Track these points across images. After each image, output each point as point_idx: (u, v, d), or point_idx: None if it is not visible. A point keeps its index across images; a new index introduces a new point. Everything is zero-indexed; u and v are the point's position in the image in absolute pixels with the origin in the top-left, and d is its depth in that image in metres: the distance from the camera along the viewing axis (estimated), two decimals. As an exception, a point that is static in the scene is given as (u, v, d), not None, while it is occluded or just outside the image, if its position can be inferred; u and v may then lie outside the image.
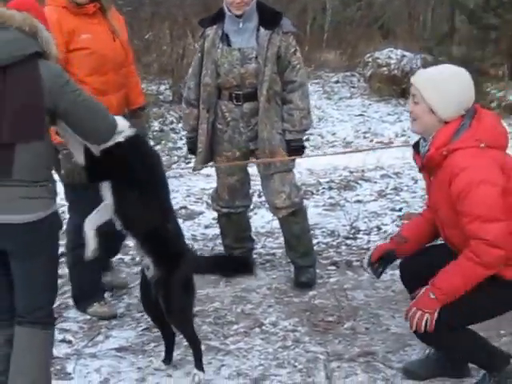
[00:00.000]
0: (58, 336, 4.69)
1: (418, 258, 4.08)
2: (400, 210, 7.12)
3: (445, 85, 3.73)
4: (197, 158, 5.49)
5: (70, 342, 4.71)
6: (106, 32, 4.86)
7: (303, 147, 5.48)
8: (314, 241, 6.26)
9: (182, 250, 4.22)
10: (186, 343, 4.58)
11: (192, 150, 5.54)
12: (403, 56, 12.79)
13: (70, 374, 4.33)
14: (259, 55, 5.16)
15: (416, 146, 3.95)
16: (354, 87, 13.36)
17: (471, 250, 3.62)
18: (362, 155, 8.71)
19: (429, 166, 3.78)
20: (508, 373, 3.89)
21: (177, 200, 7.42)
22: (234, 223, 5.64)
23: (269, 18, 5.23)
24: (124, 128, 3.89)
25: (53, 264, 3.63)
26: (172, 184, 7.71)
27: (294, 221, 5.40)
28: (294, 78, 5.24)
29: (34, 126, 3.35)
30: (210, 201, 5.50)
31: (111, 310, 5.09)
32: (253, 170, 5.63)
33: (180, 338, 4.42)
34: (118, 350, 4.60)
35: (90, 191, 4.24)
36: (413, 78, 3.85)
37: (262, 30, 5.19)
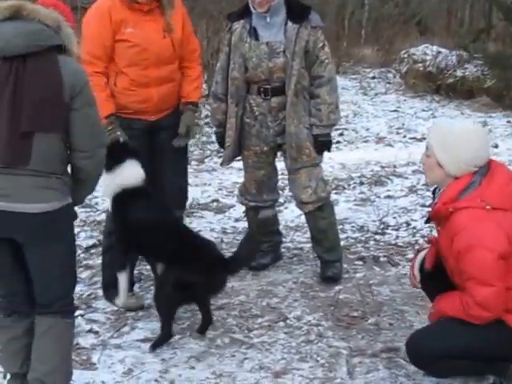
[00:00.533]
0: (85, 326, 4.82)
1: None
2: (429, 205, 7.07)
3: (455, 144, 3.70)
4: (225, 152, 5.51)
5: (96, 332, 4.76)
6: (157, 29, 4.88)
7: (330, 142, 5.46)
8: (343, 235, 6.29)
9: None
10: (210, 336, 4.65)
11: (221, 144, 5.56)
12: (439, 52, 12.75)
13: (94, 364, 4.38)
14: (287, 49, 5.15)
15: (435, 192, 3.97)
16: (389, 83, 13.36)
17: (465, 301, 3.66)
18: (394, 150, 8.70)
19: (436, 217, 3.81)
20: None
21: (209, 193, 7.49)
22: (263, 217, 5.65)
23: (297, 12, 5.21)
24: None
25: (68, 254, 3.64)
26: (204, 178, 7.86)
27: (320, 216, 5.40)
28: (322, 72, 5.22)
29: (54, 118, 3.37)
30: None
31: (138, 302, 5.13)
32: (281, 164, 5.62)
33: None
34: (143, 341, 4.64)
35: None
36: (429, 130, 3.88)
37: (289, 23, 5.18)
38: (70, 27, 3.49)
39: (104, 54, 4.83)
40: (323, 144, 5.36)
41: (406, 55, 13.03)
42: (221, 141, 5.54)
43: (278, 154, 5.56)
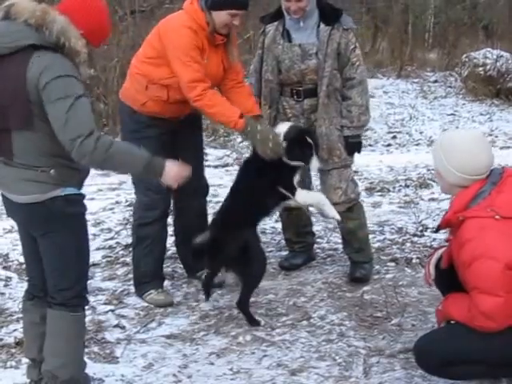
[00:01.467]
0: (113, 321, 4.94)
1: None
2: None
3: (450, 154, 3.74)
4: None
5: (123, 327, 4.86)
6: (218, 62, 4.97)
7: (361, 143, 5.49)
8: (381, 237, 6.33)
9: None
10: (233, 333, 4.73)
11: None
12: (500, 56, 12.61)
13: (117, 357, 4.48)
14: (319, 51, 5.19)
15: None
16: (450, 87, 13.26)
17: (471, 312, 3.65)
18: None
19: (448, 226, 3.81)
20: None
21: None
22: (294, 218, 5.71)
23: (329, 15, 5.24)
24: None
25: (67, 247, 3.68)
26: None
27: (349, 216, 5.42)
28: (353, 74, 5.25)
29: (21, 117, 3.44)
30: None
31: (167, 299, 5.23)
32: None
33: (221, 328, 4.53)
34: (168, 337, 4.73)
35: None
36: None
37: (322, 26, 5.22)
38: (67, 23, 3.48)
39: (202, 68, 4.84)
40: (354, 145, 5.38)
41: (467, 59, 12.92)
42: None
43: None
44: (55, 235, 3.65)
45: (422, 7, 16.26)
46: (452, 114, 11.48)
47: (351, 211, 5.42)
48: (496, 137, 9.88)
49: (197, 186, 5.24)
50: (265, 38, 5.38)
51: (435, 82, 13.73)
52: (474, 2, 16.72)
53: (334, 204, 5.35)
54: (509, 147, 9.76)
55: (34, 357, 3.98)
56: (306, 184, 5.61)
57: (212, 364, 4.40)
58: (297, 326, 4.85)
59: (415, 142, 9.93)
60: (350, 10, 15.71)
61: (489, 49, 12.95)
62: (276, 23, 5.34)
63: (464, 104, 12.17)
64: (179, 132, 5.14)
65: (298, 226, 5.75)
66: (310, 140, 4.95)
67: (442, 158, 3.76)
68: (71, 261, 3.72)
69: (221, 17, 4.78)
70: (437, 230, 4.04)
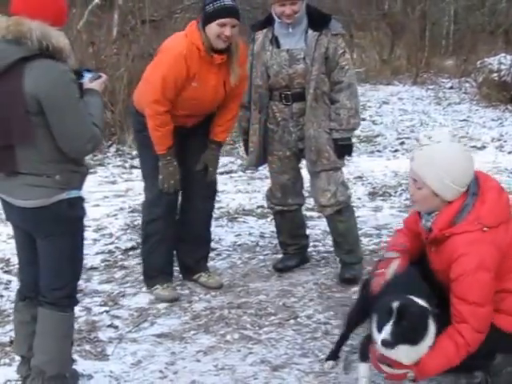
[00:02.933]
0: (107, 322, 5.10)
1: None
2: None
3: (445, 169, 3.64)
4: (248, 158, 5.71)
5: (116, 327, 5.00)
6: (218, 82, 5.08)
7: (351, 146, 5.59)
8: (377, 240, 6.42)
9: None
10: (222, 332, 4.85)
11: (247, 150, 5.76)
12: (516, 62, 12.66)
13: (108, 355, 4.63)
14: (307, 56, 5.31)
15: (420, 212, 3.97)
16: (465, 93, 13.30)
17: (462, 336, 3.64)
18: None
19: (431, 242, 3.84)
20: (497, 365, 3.93)
21: (256, 200, 7.68)
22: (288, 220, 5.83)
23: (317, 21, 5.37)
24: None
25: (64, 249, 3.85)
26: (256, 185, 8.07)
27: (339, 219, 5.54)
28: (341, 78, 5.36)
29: (22, 130, 3.60)
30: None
31: (171, 294, 5.39)
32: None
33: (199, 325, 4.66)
34: (158, 336, 4.87)
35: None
36: (412, 164, 3.74)
37: (310, 31, 5.34)
38: (46, 26, 3.56)
39: (174, 96, 5.01)
40: (343, 148, 5.48)
41: (482, 65, 12.98)
42: (247, 147, 5.73)
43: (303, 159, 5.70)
44: (56, 238, 3.82)
45: (440, 14, 16.32)
46: (464, 120, 11.53)
47: (340, 214, 5.53)
48: (505, 141, 9.97)
49: (207, 187, 5.47)
50: (254, 45, 5.51)
51: (451, 88, 13.80)
52: (493, 8, 16.73)
53: (323, 206, 5.48)
54: (517, 152, 9.83)
55: (24, 354, 4.14)
56: (298, 188, 5.73)
57: (198, 361, 4.53)
58: (284, 324, 4.97)
59: (421, 148, 10.01)
60: (367, 17, 15.89)
61: (503, 54, 12.97)
62: (265, 30, 5.47)
63: (477, 110, 12.22)
64: (189, 136, 5.30)
65: (292, 228, 5.86)
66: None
67: (439, 174, 3.64)
68: (67, 262, 3.89)
69: (212, 29, 4.89)
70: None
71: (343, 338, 4.39)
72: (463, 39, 16.04)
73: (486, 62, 12.95)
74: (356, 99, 5.45)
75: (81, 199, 3.90)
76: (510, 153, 9.76)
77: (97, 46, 10.75)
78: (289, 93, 5.42)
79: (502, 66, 12.58)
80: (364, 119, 11.66)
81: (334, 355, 4.39)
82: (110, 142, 10.11)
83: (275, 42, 5.44)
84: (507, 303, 3.82)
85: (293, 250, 5.90)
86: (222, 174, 8.83)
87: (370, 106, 12.71)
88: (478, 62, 13.25)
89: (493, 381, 3.96)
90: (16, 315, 4.20)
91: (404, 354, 3.58)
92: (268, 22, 5.49)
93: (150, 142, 5.11)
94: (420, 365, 3.66)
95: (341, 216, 5.54)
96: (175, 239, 5.50)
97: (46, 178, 3.71)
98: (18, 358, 4.39)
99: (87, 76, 3.86)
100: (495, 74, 12.55)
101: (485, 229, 3.63)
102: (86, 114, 3.69)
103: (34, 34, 3.51)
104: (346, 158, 5.69)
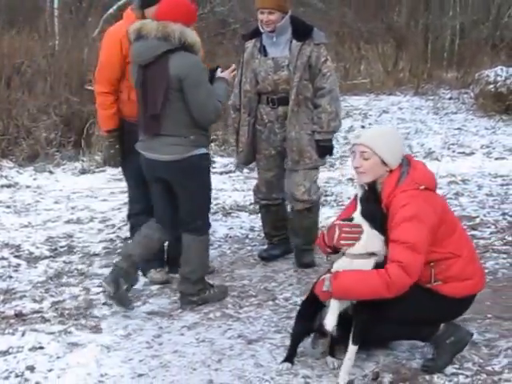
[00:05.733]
0: (102, 299, 5.59)
1: None
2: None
3: (392, 140, 4.42)
4: (238, 157, 6.26)
5: (110, 305, 5.48)
6: None
7: (332, 147, 6.14)
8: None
9: None
10: (206, 310, 5.37)
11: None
12: (511, 74, 13.07)
13: (101, 329, 5.15)
14: (290, 64, 5.86)
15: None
16: (463, 103, 13.73)
17: (386, 268, 4.12)
18: (440, 164, 9.27)
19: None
20: (440, 336, 4.40)
21: (250, 197, 8.11)
22: (272, 213, 6.36)
23: (301, 31, 5.91)
24: None
25: (197, 192, 5.31)
26: (252, 184, 8.48)
27: (307, 215, 6.11)
28: (323, 84, 5.89)
29: (164, 102, 5.03)
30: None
31: (163, 277, 5.98)
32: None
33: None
34: (149, 313, 5.41)
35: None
36: (358, 140, 4.41)
37: (294, 41, 5.88)
38: (183, 27, 5.02)
39: (113, 76, 5.61)
40: (325, 148, 6.02)
41: (479, 77, 13.42)
42: (238, 146, 6.26)
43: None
44: (190, 183, 5.24)
45: (442, 28, 16.80)
46: (458, 129, 11.95)
47: (310, 211, 6.11)
48: (493, 148, 10.46)
49: None
50: (244, 53, 6.06)
51: (450, 99, 14.21)
52: (496, 23, 17.21)
53: (296, 200, 5.99)
54: (503, 158, 10.28)
55: (123, 266, 5.33)
56: (282, 184, 6.22)
57: (182, 335, 5.04)
58: (263, 305, 5.50)
59: (413, 154, 10.40)
60: (373, 30, 16.37)
61: (501, 67, 13.39)
62: (254, 40, 6.02)
63: (472, 119, 12.65)
64: None
65: (276, 220, 6.38)
66: None
67: (391, 145, 4.36)
68: (199, 200, 5.37)
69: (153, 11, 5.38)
70: None
71: (295, 343, 4.68)
72: (465, 52, 16.49)
73: (484, 74, 13.35)
74: (336, 103, 5.98)
75: (207, 154, 5.38)
76: (496, 159, 10.21)
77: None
78: (275, 97, 5.96)
79: (499, 78, 13.00)
80: (363, 127, 12.17)
81: (290, 358, 4.61)
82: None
83: (263, 50, 5.98)
84: (455, 269, 4.33)
85: (277, 240, 6.42)
86: (221, 173, 9.40)
87: (370, 115, 13.14)
88: (476, 74, 13.68)
89: (438, 352, 4.42)
90: (145, 229, 5.44)
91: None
92: (257, 32, 6.03)
93: (130, 145, 5.59)
94: (336, 273, 4.23)
95: (310, 213, 6.11)
96: None
97: (183, 138, 5.14)
98: (20, 328, 5.01)
99: (219, 69, 5.40)
100: (492, 86, 12.95)
101: (421, 187, 4.27)
102: (212, 92, 5.15)
103: (177, 34, 4.97)
104: (327, 157, 6.21)
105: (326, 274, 4.39)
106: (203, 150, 5.28)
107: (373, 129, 4.64)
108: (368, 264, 4.22)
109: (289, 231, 6.34)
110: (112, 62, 5.56)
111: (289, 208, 6.41)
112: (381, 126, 4.79)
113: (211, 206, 5.77)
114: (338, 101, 6.03)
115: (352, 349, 4.31)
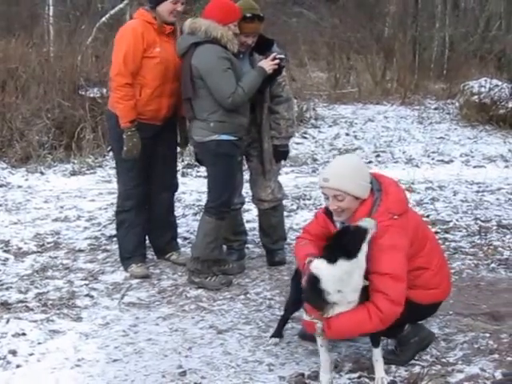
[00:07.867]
0: (85, 292, 5.91)
1: None
2: (428, 216, 7.82)
3: (358, 173, 4.39)
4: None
5: (92, 296, 5.82)
6: (173, 49, 5.99)
7: (288, 152, 6.47)
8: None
9: None
10: (181, 303, 5.68)
11: None
12: (496, 85, 13.42)
13: (81, 318, 5.46)
14: None
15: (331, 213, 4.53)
16: (448, 113, 14.06)
17: (375, 304, 4.21)
18: (419, 170, 9.57)
19: None
20: (405, 335, 4.66)
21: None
22: (232, 219, 6.35)
23: (262, 45, 6.09)
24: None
25: (214, 175, 5.89)
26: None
27: (273, 214, 6.41)
28: (280, 93, 6.17)
29: (192, 89, 5.73)
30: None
31: (143, 271, 6.28)
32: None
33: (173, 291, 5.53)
34: (128, 304, 5.71)
35: (136, 165, 6.03)
36: (328, 184, 4.39)
37: (256, 55, 6.07)
38: (213, 23, 5.67)
39: (136, 69, 5.91)
40: (282, 153, 6.36)
41: (464, 88, 13.78)
42: None
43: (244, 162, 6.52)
44: (210, 166, 5.95)
45: (430, 40, 17.17)
46: (441, 138, 12.28)
47: (275, 210, 6.41)
48: (472, 157, 10.78)
49: (169, 183, 6.41)
50: None
51: (435, 109, 14.56)
52: (484, 35, 17.57)
53: (262, 201, 6.31)
54: (481, 166, 10.59)
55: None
56: (241, 189, 6.50)
57: (157, 325, 5.36)
58: (235, 299, 5.82)
59: (394, 160, 10.78)
60: (362, 42, 16.71)
61: (485, 78, 13.74)
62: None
63: (456, 129, 12.97)
64: (159, 138, 6.16)
65: (235, 225, 6.53)
66: None
67: (357, 179, 4.34)
68: (216, 184, 5.89)
69: (166, 6, 5.89)
70: None
71: (284, 319, 5.11)
72: (454, 64, 16.84)
73: (469, 85, 13.73)
74: (292, 111, 6.38)
75: (228, 141, 5.79)
76: (474, 167, 10.53)
77: (101, 60, 11.63)
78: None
79: (483, 89, 13.36)
80: (348, 134, 12.52)
81: (277, 334, 5.08)
82: (110, 147, 10.93)
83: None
84: (422, 279, 4.54)
85: (236, 245, 6.59)
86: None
87: (356, 123, 13.46)
88: (462, 85, 14.05)
89: (402, 349, 4.69)
90: None
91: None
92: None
93: (123, 141, 5.93)
94: (330, 318, 4.26)
95: (275, 212, 6.41)
96: (146, 225, 6.38)
97: (206, 123, 5.74)
98: (6, 315, 5.34)
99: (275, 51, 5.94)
100: (476, 96, 13.31)
101: (395, 217, 4.35)
102: (231, 79, 5.65)
103: (202, 29, 5.67)
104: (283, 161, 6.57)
105: (318, 322, 4.37)
106: (224, 137, 5.79)
107: (336, 166, 4.51)
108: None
109: (258, 232, 6.62)
110: (137, 55, 5.87)
111: (255, 211, 6.70)
112: (343, 158, 4.80)
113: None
114: (293, 109, 6.45)
115: (375, 352, 4.48)
